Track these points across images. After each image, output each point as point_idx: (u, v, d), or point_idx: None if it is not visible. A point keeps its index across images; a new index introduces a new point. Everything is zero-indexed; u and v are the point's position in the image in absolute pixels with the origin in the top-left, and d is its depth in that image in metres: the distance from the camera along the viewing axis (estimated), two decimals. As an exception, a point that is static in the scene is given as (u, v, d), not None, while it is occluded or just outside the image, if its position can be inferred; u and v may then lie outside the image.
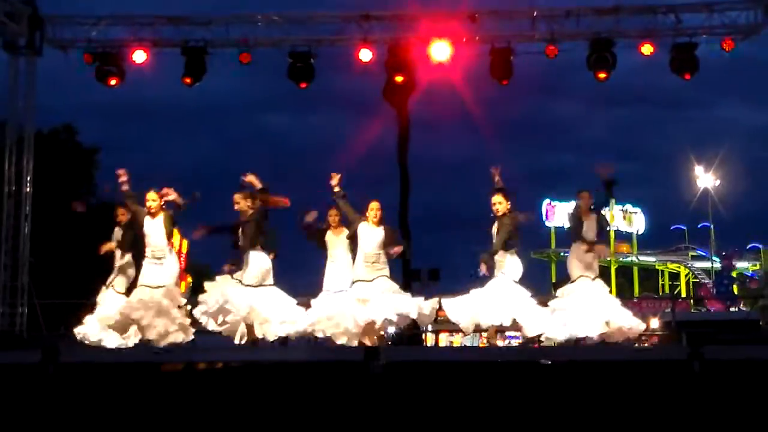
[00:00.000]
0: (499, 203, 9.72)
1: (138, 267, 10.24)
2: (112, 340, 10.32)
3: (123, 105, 35.36)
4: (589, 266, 10.03)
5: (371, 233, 9.79)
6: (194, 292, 12.00)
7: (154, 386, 8.22)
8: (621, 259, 47.39)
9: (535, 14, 14.84)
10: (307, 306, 10.08)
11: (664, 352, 10.40)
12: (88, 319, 10.55)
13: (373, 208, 9.85)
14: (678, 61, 14.50)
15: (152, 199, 9.95)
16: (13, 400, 7.84)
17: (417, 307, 9.86)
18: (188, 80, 15.05)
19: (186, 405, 7.99)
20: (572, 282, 10.09)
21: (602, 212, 10.41)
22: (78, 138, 30.06)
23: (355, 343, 9.76)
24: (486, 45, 14.77)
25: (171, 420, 7.85)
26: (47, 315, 14.15)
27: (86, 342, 10.50)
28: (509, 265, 9.65)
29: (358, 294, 9.67)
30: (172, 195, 9.96)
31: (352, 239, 9.96)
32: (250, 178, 9.93)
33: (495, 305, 9.47)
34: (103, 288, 10.63)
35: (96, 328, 10.43)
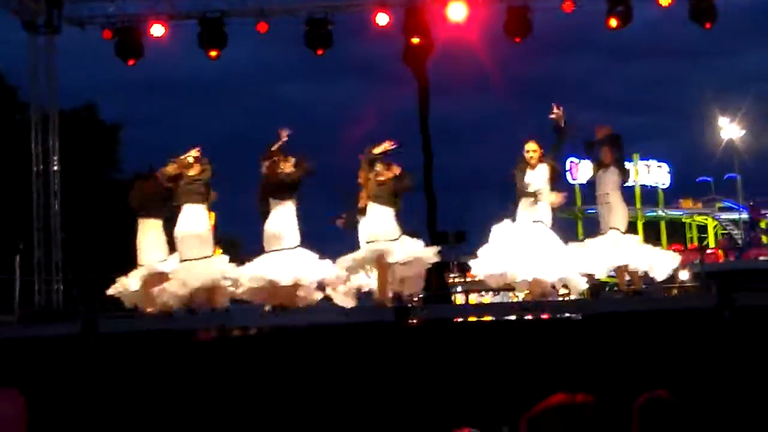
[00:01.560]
0: (534, 151, 9.69)
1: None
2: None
3: (143, 80, 35.47)
4: None
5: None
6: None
7: (191, 353, 8.40)
8: (647, 213, 47.21)
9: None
10: None
11: (694, 301, 10.46)
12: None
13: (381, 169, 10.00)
14: (697, 9, 14.34)
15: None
16: (56, 370, 8.06)
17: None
18: (213, 52, 15.04)
19: (222, 371, 8.16)
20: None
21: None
22: (100, 115, 30.25)
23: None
24: (503, 3, 14.69)
25: (210, 385, 8.02)
26: (82, 290, 14.37)
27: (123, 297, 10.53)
28: (542, 211, 9.61)
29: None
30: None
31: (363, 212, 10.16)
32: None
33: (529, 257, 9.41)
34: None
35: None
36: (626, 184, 10.23)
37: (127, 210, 10.91)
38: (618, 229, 9.72)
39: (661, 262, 9.76)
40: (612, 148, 10.15)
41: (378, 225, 9.92)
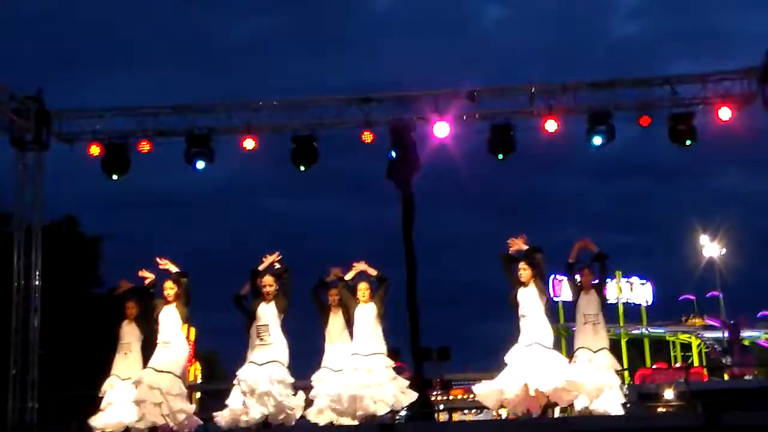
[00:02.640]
0: (524, 269, 9.90)
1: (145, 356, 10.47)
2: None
3: (126, 195, 35.65)
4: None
5: (363, 311, 10.33)
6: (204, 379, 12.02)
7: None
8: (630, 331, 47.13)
9: (533, 90, 15.07)
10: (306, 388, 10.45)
11: (681, 420, 10.32)
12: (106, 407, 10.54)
13: (362, 288, 10.44)
14: (676, 130, 14.68)
15: (170, 287, 10.24)
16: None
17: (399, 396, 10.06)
18: (200, 167, 15.17)
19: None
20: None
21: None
22: (80, 229, 30.19)
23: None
24: (486, 121, 15.00)
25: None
26: (57, 408, 14.03)
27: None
28: (543, 331, 9.75)
29: (355, 366, 10.00)
30: (166, 264, 10.26)
31: (349, 322, 10.51)
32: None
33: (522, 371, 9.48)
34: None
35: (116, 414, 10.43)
36: (609, 302, 10.49)
37: (107, 326, 10.96)
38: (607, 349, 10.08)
39: None
40: (592, 271, 10.43)
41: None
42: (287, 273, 10.17)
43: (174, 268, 10.34)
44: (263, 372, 9.69)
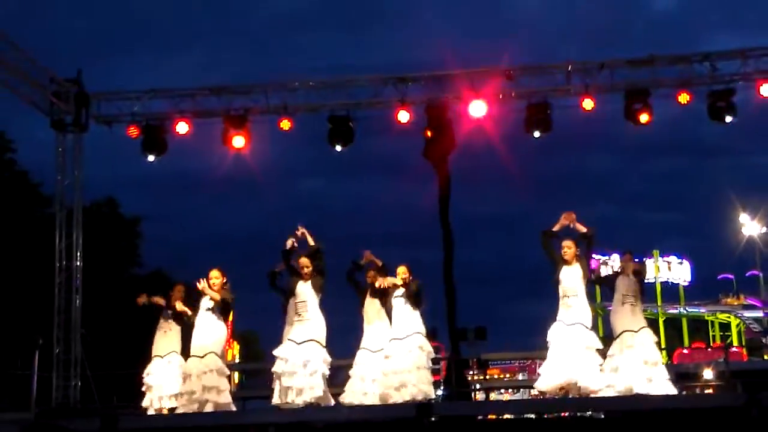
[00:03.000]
0: (569, 248, 9.92)
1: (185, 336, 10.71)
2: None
3: (164, 176, 36.00)
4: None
5: (400, 293, 10.43)
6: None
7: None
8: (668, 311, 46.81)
9: (569, 68, 14.95)
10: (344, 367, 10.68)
11: (721, 399, 10.27)
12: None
13: (400, 272, 10.49)
14: (716, 107, 14.48)
15: (215, 277, 10.29)
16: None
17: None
18: (239, 144, 15.27)
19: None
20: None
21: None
22: (120, 210, 30.54)
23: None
24: (523, 100, 14.92)
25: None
26: (99, 386, 14.27)
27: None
28: (585, 311, 9.79)
29: (391, 351, 10.14)
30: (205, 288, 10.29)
31: (386, 305, 10.59)
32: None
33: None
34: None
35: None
36: (647, 281, 10.49)
37: (147, 308, 11.32)
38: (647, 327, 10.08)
39: None
40: (632, 256, 10.49)
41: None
42: (320, 252, 10.17)
43: (216, 295, 10.30)
44: (300, 354, 9.72)
